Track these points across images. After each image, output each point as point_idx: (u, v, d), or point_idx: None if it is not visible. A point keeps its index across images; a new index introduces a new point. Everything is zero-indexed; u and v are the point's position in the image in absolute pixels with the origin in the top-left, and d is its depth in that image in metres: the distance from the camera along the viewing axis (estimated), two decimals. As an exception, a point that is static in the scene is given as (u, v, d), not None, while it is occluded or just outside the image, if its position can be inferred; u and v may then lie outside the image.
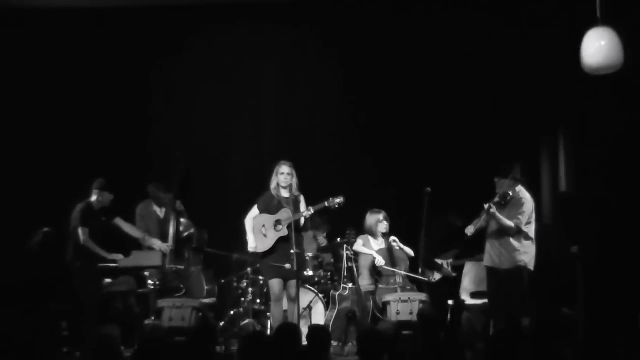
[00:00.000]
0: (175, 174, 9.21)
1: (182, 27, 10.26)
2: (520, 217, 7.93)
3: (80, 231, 8.50)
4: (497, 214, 7.90)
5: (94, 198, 8.66)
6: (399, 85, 10.18)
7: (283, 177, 8.24)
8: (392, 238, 9.04)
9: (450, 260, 9.28)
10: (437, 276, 9.17)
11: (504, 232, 7.96)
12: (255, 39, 10.44)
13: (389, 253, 9.01)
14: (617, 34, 6.82)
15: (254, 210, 8.37)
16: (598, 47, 6.82)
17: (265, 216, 8.28)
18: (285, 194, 8.27)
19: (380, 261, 8.86)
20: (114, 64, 10.20)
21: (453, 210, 9.11)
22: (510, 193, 7.99)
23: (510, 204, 8.00)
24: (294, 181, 8.27)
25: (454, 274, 9.24)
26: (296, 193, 8.26)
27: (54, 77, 10.14)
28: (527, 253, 7.95)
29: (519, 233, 7.93)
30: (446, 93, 10.03)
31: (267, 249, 8.20)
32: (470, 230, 8.08)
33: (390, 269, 8.87)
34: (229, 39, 10.43)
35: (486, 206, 7.89)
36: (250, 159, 10.45)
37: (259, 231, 8.27)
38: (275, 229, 8.18)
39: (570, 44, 7.37)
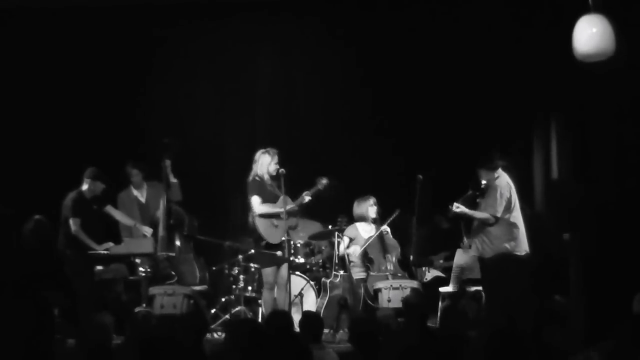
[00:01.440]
0: (163, 160, 9.19)
1: (177, 17, 10.19)
2: (495, 206, 7.95)
3: (71, 221, 8.50)
4: (468, 211, 7.95)
5: (85, 187, 8.66)
6: (393, 73, 10.16)
7: (276, 165, 8.28)
8: (384, 228, 9.05)
9: (441, 262, 9.31)
10: (428, 275, 9.20)
11: (485, 222, 8.00)
12: (251, 28, 10.38)
13: (381, 240, 9.03)
14: (608, 20, 6.81)
15: (258, 199, 8.35)
16: (590, 34, 6.81)
17: (270, 206, 8.28)
18: (270, 180, 8.31)
19: (355, 250, 8.96)
20: (108, 54, 10.15)
21: (439, 212, 9.14)
22: (484, 181, 8.02)
23: (487, 193, 8.03)
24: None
25: (443, 275, 9.27)
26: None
27: (46, 68, 10.07)
28: (511, 240, 7.97)
29: (499, 221, 7.95)
30: (439, 81, 10.02)
31: (279, 241, 8.23)
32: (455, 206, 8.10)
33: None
34: (225, 29, 10.36)
35: (452, 207, 7.94)
36: (243, 146, 10.42)
37: (270, 224, 8.28)
38: (286, 220, 8.21)
39: (562, 31, 7.37)
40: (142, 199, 9.40)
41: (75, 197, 8.59)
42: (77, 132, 10.07)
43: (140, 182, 9.40)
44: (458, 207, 7.95)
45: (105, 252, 8.58)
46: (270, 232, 8.33)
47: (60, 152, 9.95)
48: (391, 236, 9.08)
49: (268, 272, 8.24)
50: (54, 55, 10.08)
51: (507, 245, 7.95)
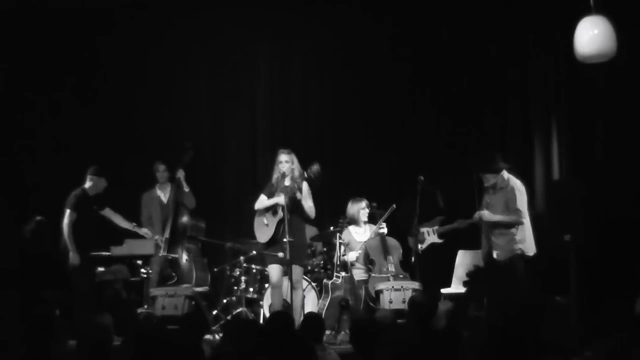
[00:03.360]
0: (181, 163, 9.25)
1: (176, 13, 10.18)
2: (520, 207, 7.95)
3: (67, 213, 8.52)
4: (494, 217, 7.92)
5: (88, 184, 8.70)
6: (394, 73, 10.18)
7: (281, 166, 8.24)
8: (381, 227, 9.02)
9: (436, 227, 9.21)
10: (427, 240, 9.12)
11: (495, 227, 7.97)
12: (250, 26, 10.37)
13: (382, 241, 9.02)
14: (610, 22, 6.82)
15: (262, 197, 8.38)
16: (591, 36, 6.82)
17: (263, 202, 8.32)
18: (286, 182, 8.25)
19: (352, 257, 8.99)
20: (106, 54, 10.14)
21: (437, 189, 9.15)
22: (496, 181, 8.02)
23: (503, 195, 8.00)
24: (296, 166, 8.28)
25: (439, 240, 9.16)
26: (298, 180, 8.25)
27: (59, 66, 10.06)
28: (523, 241, 7.97)
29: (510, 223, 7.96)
30: (439, 82, 10.04)
31: (269, 238, 8.23)
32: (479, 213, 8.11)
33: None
34: (224, 25, 10.35)
35: (476, 216, 7.94)
36: (245, 147, 10.45)
37: (261, 223, 8.28)
38: (273, 216, 8.19)
39: (564, 32, 7.38)
40: (164, 199, 9.44)
41: (78, 194, 8.63)
42: (75, 132, 10.03)
43: (165, 181, 9.46)
44: (482, 217, 7.94)
45: (107, 253, 8.61)
46: (260, 231, 8.35)
47: (58, 152, 9.92)
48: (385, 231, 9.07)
49: (272, 269, 8.26)
50: (53, 53, 10.06)
51: (521, 247, 7.95)
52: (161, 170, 9.45)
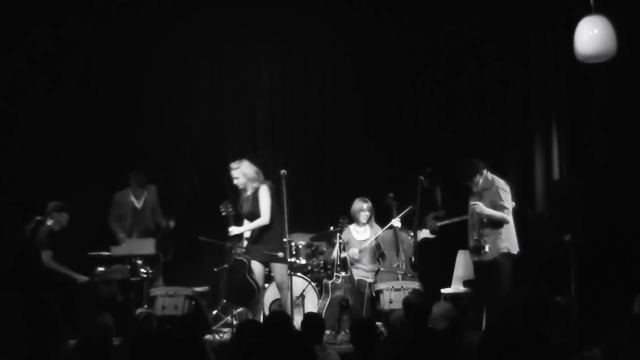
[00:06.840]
0: (185, 194, 9.36)
1: (176, 14, 10.17)
2: (506, 205, 7.97)
3: (43, 254, 8.58)
4: (487, 210, 7.94)
5: (50, 222, 8.73)
6: (394, 72, 10.17)
7: (235, 182, 8.40)
8: (396, 223, 9.01)
9: (433, 220, 9.23)
10: (419, 235, 9.13)
11: (483, 224, 7.99)
12: (250, 26, 10.37)
13: (395, 236, 9.02)
14: (610, 22, 6.83)
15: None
16: (591, 36, 6.83)
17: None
18: (248, 192, 8.44)
19: (354, 252, 9.01)
20: (109, 52, 10.13)
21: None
22: (482, 182, 8.04)
23: (489, 195, 8.03)
24: (250, 174, 8.39)
25: (432, 236, 9.17)
26: (256, 185, 8.38)
27: (58, 66, 10.05)
28: (508, 239, 8.00)
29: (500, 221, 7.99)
30: (439, 82, 10.05)
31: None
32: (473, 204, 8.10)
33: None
34: (224, 25, 10.34)
35: (475, 208, 7.93)
36: (245, 147, 10.43)
37: None
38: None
39: (563, 32, 7.38)
40: (138, 205, 9.39)
41: (44, 232, 8.67)
42: (75, 132, 10.02)
43: (141, 193, 9.43)
44: (476, 205, 7.95)
45: (107, 253, 8.62)
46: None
47: (58, 152, 9.91)
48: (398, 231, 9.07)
49: (273, 272, 8.36)
50: (52, 53, 10.04)
51: (506, 245, 7.98)
52: (135, 188, 9.38)
